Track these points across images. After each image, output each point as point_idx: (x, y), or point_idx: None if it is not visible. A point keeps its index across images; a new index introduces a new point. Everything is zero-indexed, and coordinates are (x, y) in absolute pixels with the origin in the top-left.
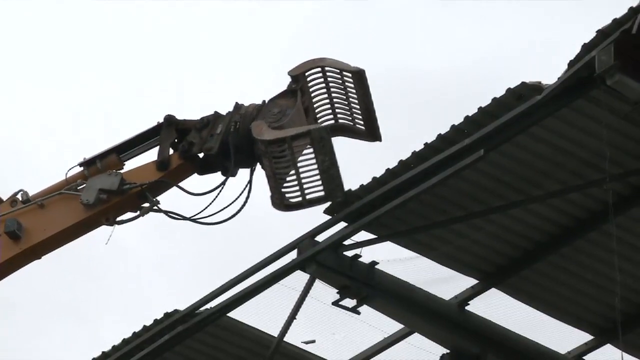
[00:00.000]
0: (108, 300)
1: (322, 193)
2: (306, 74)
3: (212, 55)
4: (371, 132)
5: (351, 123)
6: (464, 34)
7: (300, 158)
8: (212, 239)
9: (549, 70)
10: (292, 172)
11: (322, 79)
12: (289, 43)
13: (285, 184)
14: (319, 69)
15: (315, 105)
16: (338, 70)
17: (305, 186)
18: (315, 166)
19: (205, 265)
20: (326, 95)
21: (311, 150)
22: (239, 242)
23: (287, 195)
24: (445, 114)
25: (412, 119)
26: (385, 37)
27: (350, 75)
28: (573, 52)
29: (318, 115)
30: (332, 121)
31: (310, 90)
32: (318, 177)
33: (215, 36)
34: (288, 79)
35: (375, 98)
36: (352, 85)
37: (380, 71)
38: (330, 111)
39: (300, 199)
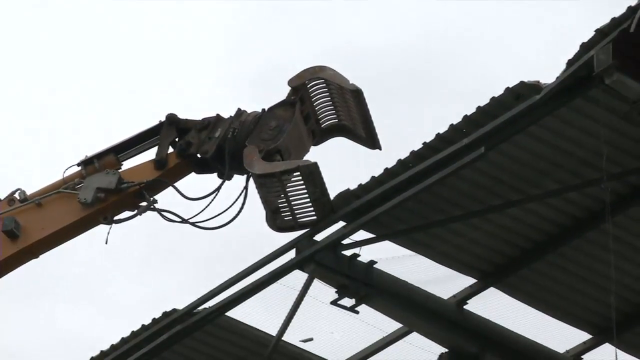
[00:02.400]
0: (61, 284)
1: (313, 217)
2: (307, 84)
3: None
4: (371, 141)
5: (352, 126)
6: (408, 9)
7: (292, 186)
8: (208, 236)
9: (498, 46)
10: (283, 200)
11: (324, 87)
12: (226, 31)
13: (278, 207)
14: (319, 80)
15: (317, 109)
16: (337, 85)
17: (296, 211)
18: (306, 194)
19: (203, 264)
20: (328, 99)
21: (300, 180)
22: (237, 241)
23: (279, 217)
24: (394, 90)
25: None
26: (328, 15)
27: (348, 91)
28: (519, 27)
29: (320, 117)
30: (335, 120)
31: (311, 96)
32: (309, 203)
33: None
34: (236, 73)
35: None
36: (350, 99)
37: (326, 50)
38: (333, 112)
39: (292, 223)
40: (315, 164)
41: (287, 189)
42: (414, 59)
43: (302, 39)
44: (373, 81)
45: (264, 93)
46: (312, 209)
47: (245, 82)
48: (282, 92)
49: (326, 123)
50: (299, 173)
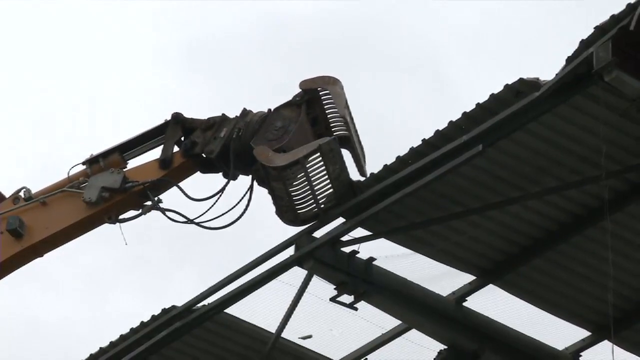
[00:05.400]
0: None
1: (334, 201)
2: (319, 90)
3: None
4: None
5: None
6: None
7: (312, 170)
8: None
9: (431, 12)
10: (307, 188)
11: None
12: (156, 3)
13: (298, 200)
14: (327, 92)
15: (328, 116)
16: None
17: (319, 197)
18: (326, 176)
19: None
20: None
21: (320, 162)
22: (237, 238)
23: (301, 210)
24: (326, 58)
25: (291, 64)
26: None
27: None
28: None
29: (331, 125)
30: (347, 132)
31: (323, 102)
32: (329, 185)
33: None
34: (168, 45)
35: (256, 47)
36: None
37: (254, 18)
38: (344, 124)
39: (315, 210)
40: (335, 139)
41: (310, 174)
42: (345, 25)
43: (233, 9)
44: (304, 49)
45: (197, 64)
46: (332, 190)
47: (178, 53)
48: (215, 63)
49: (338, 132)
50: (318, 154)
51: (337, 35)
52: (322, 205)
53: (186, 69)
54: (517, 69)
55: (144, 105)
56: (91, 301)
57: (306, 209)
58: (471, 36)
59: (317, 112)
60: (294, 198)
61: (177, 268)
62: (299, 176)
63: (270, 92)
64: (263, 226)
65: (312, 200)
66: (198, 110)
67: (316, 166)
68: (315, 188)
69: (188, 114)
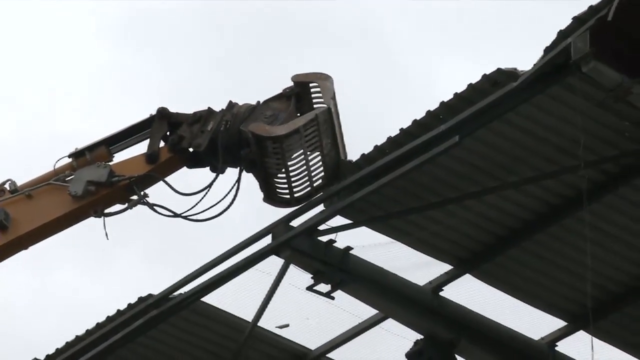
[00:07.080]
0: None
1: (325, 179)
2: (310, 85)
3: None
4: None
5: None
6: None
7: (307, 142)
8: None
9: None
10: (302, 163)
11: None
12: None
13: (295, 175)
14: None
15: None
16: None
17: (312, 172)
18: (319, 150)
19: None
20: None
21: (315, 134)
22: (215, 227)
23: (297, 187)
24: (271, 36)
25: (234, 39)
26: None
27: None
28: None
29: None
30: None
31: (313, 98)
32: (321, 160)
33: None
34: (106, 21)
35: (197, 20)
36: None
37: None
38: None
39: (308, 188)
40: (329, 109)
41: (306, 146)
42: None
43: None
44: (249, 23)
45: (137, 38)
46: (322, 168)
47: (117, 29)
48: (154, 37)
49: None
50: (315, 123)
51: (284, 12)
52: (314, 184)
53: (127, 43)
54: (494, 59)
55: (89, 80)
56: (33, 276)
57: (301, 186)
58: (449, 27)
59: (305, 108)
60: (291, 174)
61: (120, 246)
62: (296, 148)
63: (211, 66)
64: (238, 214)
65: (307, 178)
66: (148, 83)
67: (312, 138)
68: (310, 163)
69: (138, 88)
